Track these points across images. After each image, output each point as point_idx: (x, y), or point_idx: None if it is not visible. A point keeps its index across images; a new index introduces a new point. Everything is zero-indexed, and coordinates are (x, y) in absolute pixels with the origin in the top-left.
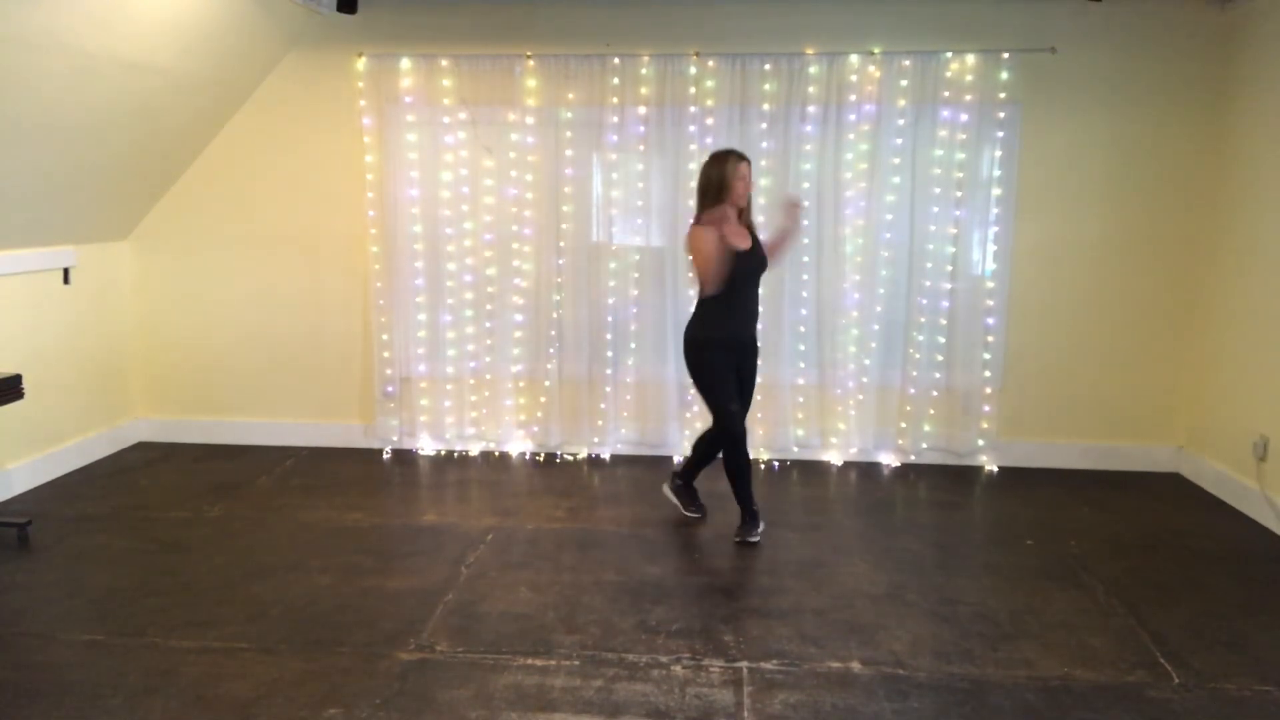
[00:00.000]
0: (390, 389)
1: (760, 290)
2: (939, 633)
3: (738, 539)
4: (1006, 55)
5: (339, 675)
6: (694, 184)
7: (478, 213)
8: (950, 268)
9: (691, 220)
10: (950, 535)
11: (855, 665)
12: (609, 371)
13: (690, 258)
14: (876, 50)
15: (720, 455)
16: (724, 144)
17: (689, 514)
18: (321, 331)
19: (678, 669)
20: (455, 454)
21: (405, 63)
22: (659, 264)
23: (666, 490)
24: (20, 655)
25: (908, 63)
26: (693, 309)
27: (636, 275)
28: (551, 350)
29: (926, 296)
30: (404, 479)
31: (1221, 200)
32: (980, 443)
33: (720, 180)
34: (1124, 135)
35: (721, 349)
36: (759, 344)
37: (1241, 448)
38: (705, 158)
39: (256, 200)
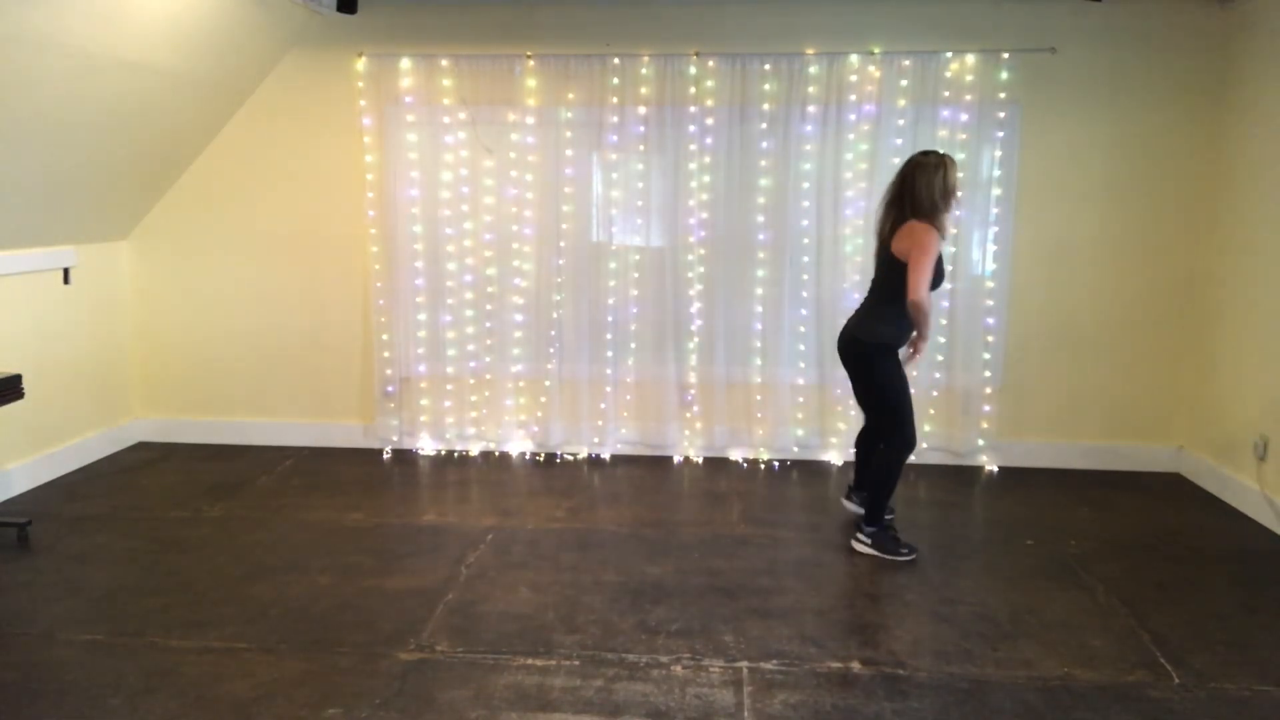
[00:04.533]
0: (390, 389)
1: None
2: (939, 633)
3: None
4: (1006, 55)
5: (339, 675)
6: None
7: (478, 213)
8: (950, 268)
9: (889, 219)
10: (950, 535)
11: (855, 665)
12: (609, 371)
13: (909, 255)
14: (876, 50)
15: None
16: (724, 144)
17: (902, 557)
18: (321, 331)
19: (678, 669)
20: (455, 454)
21: (405, 63)
22: (659, 264)
23: (861, 546)
24: (20, 655)
25: (908, 63)
26: (873, 309)
27: (636, 275)
28: (551, 350)
29: None
30: (404, 479)
31: (1221, 200)
32: (980, 443)
33: (953, 188)
34: (1124, 135)
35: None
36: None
37: (1241, 448)
38: (909, 161)
39: (256, 200)
